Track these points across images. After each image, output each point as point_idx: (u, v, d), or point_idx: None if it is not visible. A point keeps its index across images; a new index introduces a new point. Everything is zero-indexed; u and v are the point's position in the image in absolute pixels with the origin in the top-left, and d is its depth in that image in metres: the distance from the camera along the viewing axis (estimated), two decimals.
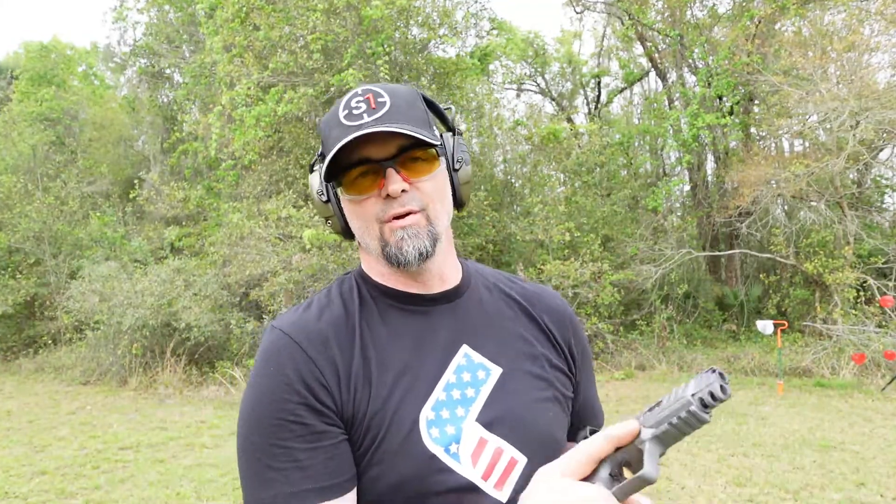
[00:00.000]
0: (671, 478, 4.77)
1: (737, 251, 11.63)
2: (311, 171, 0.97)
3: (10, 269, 12.05)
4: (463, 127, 11.70)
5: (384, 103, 0.85)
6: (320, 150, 0.94)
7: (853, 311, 8.94)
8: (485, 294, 0.98)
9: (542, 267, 9.77)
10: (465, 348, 0.89)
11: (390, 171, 0.84)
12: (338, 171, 0.86)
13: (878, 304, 8.52)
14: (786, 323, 8.64)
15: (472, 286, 0.97)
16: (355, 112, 0.85)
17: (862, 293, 9.26)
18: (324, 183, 0.92)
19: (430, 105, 0.94)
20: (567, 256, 10.12)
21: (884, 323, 8.59)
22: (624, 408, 7.19)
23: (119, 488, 4.86)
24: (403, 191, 0.84)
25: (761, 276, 11.69)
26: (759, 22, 10.56)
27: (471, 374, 0.88)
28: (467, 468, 0.82)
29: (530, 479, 0.78)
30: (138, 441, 6.23)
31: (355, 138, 0.82)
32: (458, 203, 0.96)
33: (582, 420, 1.01)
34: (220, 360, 9.34)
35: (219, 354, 9.52)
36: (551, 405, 0.92)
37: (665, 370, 9.29)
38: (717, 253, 12.06)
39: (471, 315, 0.93)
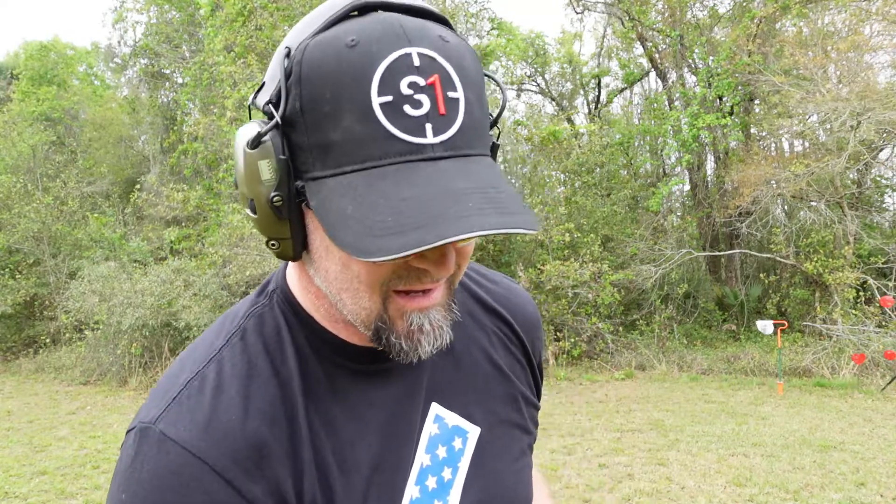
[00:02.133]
0: (671, 478, 4.77)
1: (737, 251, 11.63)
2: (256, 145, 0.52)
3: (9, 270, 12.05)
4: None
5: (457, 104, 0.50)
6: (276, 98, 0.52)
7: (853, 311, 8.95)
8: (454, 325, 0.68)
9: (542, 267, 9.77)
10: (435, 408, 0.67)
11: (447, 246, 0.52)
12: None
13: (878, 304, 8.52)
14: (786, 323, 8.64)
15: None
16: (410, 112, 0.48)
17: (862, 293, 9.27)
18: (286, 181, 0.52)
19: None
20: (567, 257, 10.13)
21: (884, 323, 8.59)
22: (623, 408, 7.19)
23: None
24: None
25: (761, 276, 11.69)
26: (760, 21, 10.55)
27: (446, 448, 0.66)
28: None
29: None
30: None
31: (439, 215, 0.46)
32: None
33: None
34: None
35: None
36: (527, 459, 0.76)
37: (665, 370, 9.29)
38: (717, 253, 12.06)
39: (438, 359, 0.66)
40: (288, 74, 0.51)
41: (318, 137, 0.50)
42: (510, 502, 0.70)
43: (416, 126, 0.48)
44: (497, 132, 0.62)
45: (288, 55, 0.51)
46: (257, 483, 0.53)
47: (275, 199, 0.52)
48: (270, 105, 0.52)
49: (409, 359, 0.57)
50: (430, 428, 0.66)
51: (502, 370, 0.74)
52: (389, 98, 0.48)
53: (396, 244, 0.44)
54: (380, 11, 0.52)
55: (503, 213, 0.46)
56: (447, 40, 0.51)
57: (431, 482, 0.64)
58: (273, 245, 0.56)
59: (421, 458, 0.64)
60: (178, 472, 0.51)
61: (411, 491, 0.63)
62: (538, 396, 0.80)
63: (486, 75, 0.59)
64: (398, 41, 0.49)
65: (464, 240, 0.45)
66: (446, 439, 0.67)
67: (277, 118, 0.51)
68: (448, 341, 0.58)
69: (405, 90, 0.48)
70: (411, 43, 0.49)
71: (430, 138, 0.48)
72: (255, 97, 0.56)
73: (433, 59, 0.49)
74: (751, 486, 4.55)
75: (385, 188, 0.47)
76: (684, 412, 6.90)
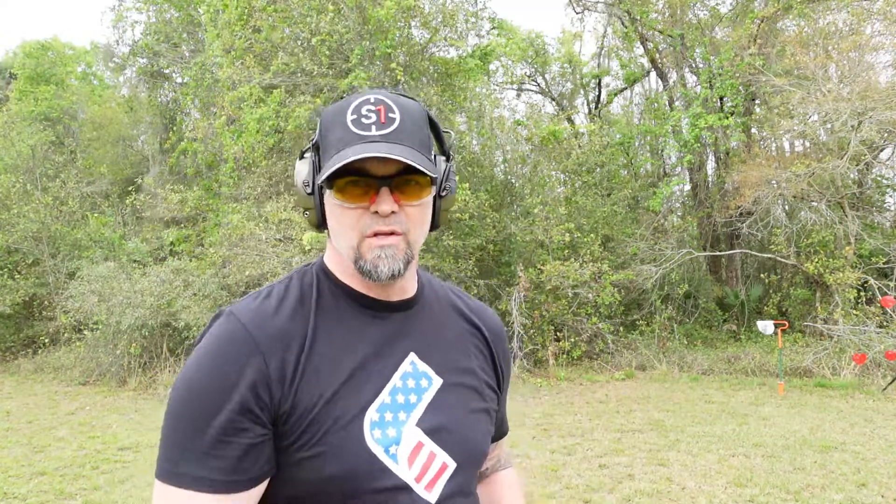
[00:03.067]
0: (672, 478, 4.75)
1: (737, 251, 11.63)
2: (302, 157, 0.97)
3: (8, 270, 12.04)
4: (464, 127, 11.74)
5: (394, 119, 0.88)
6: (315, 138, 0.95)
7: (854, 312, 8.94)
8: (435, 307, 1.03)
9: (541, 267, 9.75)
10: (412, 356, 0.94)
11: (384, 191, 0.87)
12: (332, 174, 0.87)
13: (878, 305, 8.51)
14: (786, 323, 8.63)
15: (426, 299, 1.02)
16: (364, 121, 0.87)
17: (863, 293, 9.26)
18: (311, 176, 0.94)
19: (433, 127, 0.97)
20: (567, 257, 10.11)
21: (885, 323, 8.59)
22: (624, 408, 7.18)
23: (118, 489, 4.84)
24: (392, 212, 0.87)
25: (762, 276, 11.68)
26: (762, 21, 10.55)
27: (415, 382, 0.93)
28: (403, 469, 0.87)
29: (458, 483, 0.91)
30: (138, 441, 6.22)
31: (360, 151, 0.84)
32: (434, 226, 0.99)
33: (495, 427, 1.09)
34: None
35: None
36: (483, 417, 1.00)
37: (665, 370, 9.28)
38: (718, 253, 12.05)
39: (421, 326, 0.98)
40: (319, 121, 0.94)
41: (324, 145, 0.92)
42: (463, 437, 0.94)
43: (366, 127, 0.87)
44: (452, 161, 1.00)
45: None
46: (273, 353, 0.84)
47: (305, 181, 0.94)
48: (313, 140, 0.95)
49: (375, 278, 0.88)
50: (405, 366, 0.93)
51: (466, 350, 1.02)
52: (355, 116, 0.88)
53: (334, 167, 0.84)
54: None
55: (395, 154, 0.83)
56: (399, 97, 0.91)
57: (400, 398, 0.90)
58: (306, 214, 0.97)
59: (394, 381, 0.91)
60: (233, 332, 0.85)
61: (383, 397, 0.89)
62: (500, 390, 1.09)
63: (443, 130, 0.99)
64: (367, 94, 0.91)
65: (360, 160, 0.83)
66: (416, 377, 0.94)
67: (312, 143, 0.95)
68: (399, 272, 0.88)
69: (364, 112, 0.88)
70: (373, 94, 0.91)
71: (373, 132, 0.87)
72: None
73: (382, 99, 0.90)
74: (752, 487, 4.54)
75: (345, 152, 0.85)
76: (685, 412, 6.89)
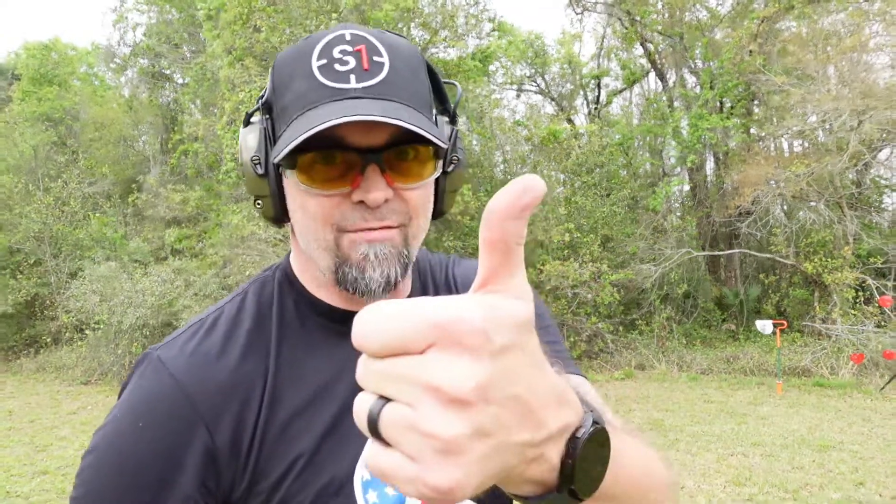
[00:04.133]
0: None
1: (736, 251, 11.65)
2: (247, 123, 0.68)
3: (10, 269, 12.07)
4: (464, 128, 11.78)
5: (381, 66, 0.61)
6: (265, 94, 0.67)
7: (852, 311, 8.96)
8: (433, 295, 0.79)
9: (541, 267, 9.78)
10: None
11: (373, 171, 0.61)
12: (295, 149, 0.59)
13: (877, 304, 8.54)
14: (785, 323, 8.65)
15: (422, 293, 0.79)
16: (339, 68, 0.61)
17: (861, 293, 9.28)
18: (262, 150, 0.66)
19: (432, 77, 0.69)
20: (567, 257, 10.14)
21: (883, 323, 8.61)
22: (623, 407, 7.21)
23: None
24: (385, 199, 0.62)
25: (761, 275, 11.69)
26: (763, 21, 10.57)
27: None
28: None
29: None
30: None
31: (336, 113, 0.58)
32: (437, 213, 0.73)
33: None
34: None
35: None
36: None
37: (665, 370, 9.31)
38: (717, 253, 12.07)
39: None
40: (271, 70, 0.66)
41: (280, 104, 0.64)
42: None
43: (342, 77, 0.61)
44: (456, 122, 0.73)
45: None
46: (219, 415, 0.63)
47: (254, 158, 0.66)
48: (260, 98, 0.68)
49: (363, 289, 0.64)
50: None
51: None
52: (324, 61, 0.61)
53: (300, 137, 0.57)
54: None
55: (390, 116, 0.57)
56: (386, 34, 0.65)
57: None
58: (258, 204, 0.69)
59: None
60: (159, 388, 0.63)
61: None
62: None
63: (445, 81, 0.72)
64: (338, 29, 0.64)
65: (335, 126, 0.57)
66: None
67: (261, 101, 0.67)
68: (395, 278, 0.64)
69: (336, 55, 0.61)
70: (347, 28, 0.64)
71: (352, 84, 0.60)
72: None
73: (363, 35, 0.63)
74: (750, 486, 4.57)
75: (312, 115, 0.60)
76: (684, 412, 6.92)
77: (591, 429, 0.38)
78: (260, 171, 0.66)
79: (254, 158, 0.66)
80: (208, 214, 12.00)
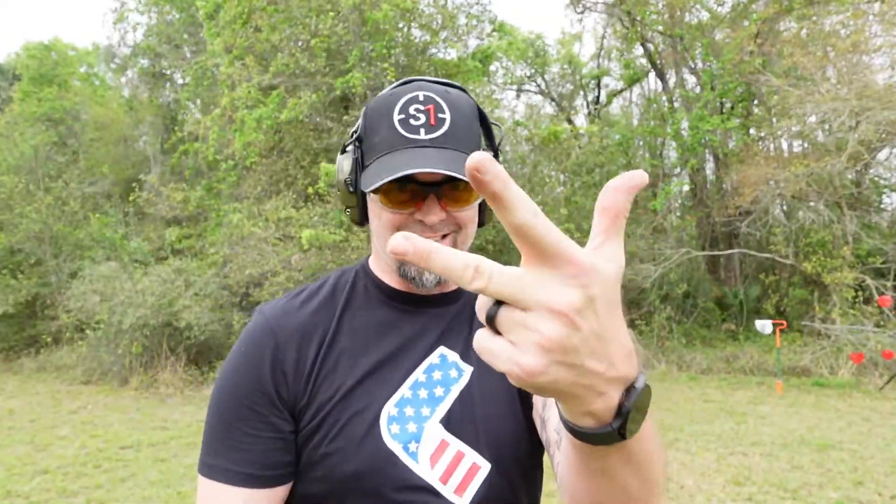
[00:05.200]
0: (670, 477, 4.79)
1: (736, 251, 11.65)
2: (344, 151, 0.92)
3: (11, 269, 12.08)
4: None
5: (444, 121, 0.82)
6: (357, 131, 0.90)
7: (851, 311, 8.97)
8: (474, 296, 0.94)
9: None
10: (442, 349, 0.89)
11: (431, 200, 0.82)
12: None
13: (876, 304, 8.55)
14: (784, 322, 8.66)
15: (468, 293, 0.94)
16: (413, 123, 0.82)
17: (860, 293, 9.28)
18: (353, 173, 0.90)
19: (482, 121, 0.91)
20: None
21: (882, 322, 8.62)
22: None
23: (120, 487, 4.88)
24: (440, 220, 0.83)
25: (760, 275, 11.70)
26: (763, 22, 10.58)
27: (442, 373, 0.87)
28: (424, 469, 0.80)
29: (494, 487, 0.81)
30: (139, 440, 6.25)
31: (409, 162, 0.79)
32: (480, 223, 0.94)
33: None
34: (221, 359, 9.36)
35: (219, 354, 9.54)
36: (520, 406, 0.88)
37: (664, 370, 9.32)
38: (717, 252, 12.08)
39: (459, 316, 0.93)
40: (363, 115, 0.89)
41: (369, 143, 0.87)
42: (495, 433, 0.84)
43: (415, 130, 0.82)
44: (498, 157, 0.94)
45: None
46: (291, 347, 0.85)
47: (347, 180, 0.89)
48: (354, 132, 0.90)
49: (420, 284, 0.86)
50: (432, 359, 0.88)
51: None
52: (403, 116, 0.82)
53: (382, 178, 0.79)
54: (417, 82, 0.87)
55: (447, 167, 0.78)
56: (449, 92, 0.85)
57: (423, 392, 0.85)
58: (347, 211, 0.94)
59: (417, 375, 0.86)
60: (257, 327, 0.87)
61: (403, 391, 0.85)
62: None
63: (492, 123, 0.93)
64: (415, 89, 0.85)
65: (414, 179, 0.81)
66: (444, 368, 0.88)
67: (354, 137, 0.90)
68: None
69: (412, 112, 0.82)
70: (422, 90, 0.85)
71: (422, 136, 0.81)
72: (352, 132, 0.92)
73: (432, 97, 0.83)
74: (749, 485, 4.57)
75: (390, 159, 0.81)
76: (683, 411, 6.92)
77: (644, 385, 0.47)
78: (351, 190, 0.89)
79: (347, 180, 0.89)
80: (208, 214, 12.01)
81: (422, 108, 0.82)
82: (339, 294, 0.92)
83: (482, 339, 0.42)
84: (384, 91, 0.89)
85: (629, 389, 0.46)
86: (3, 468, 5.39)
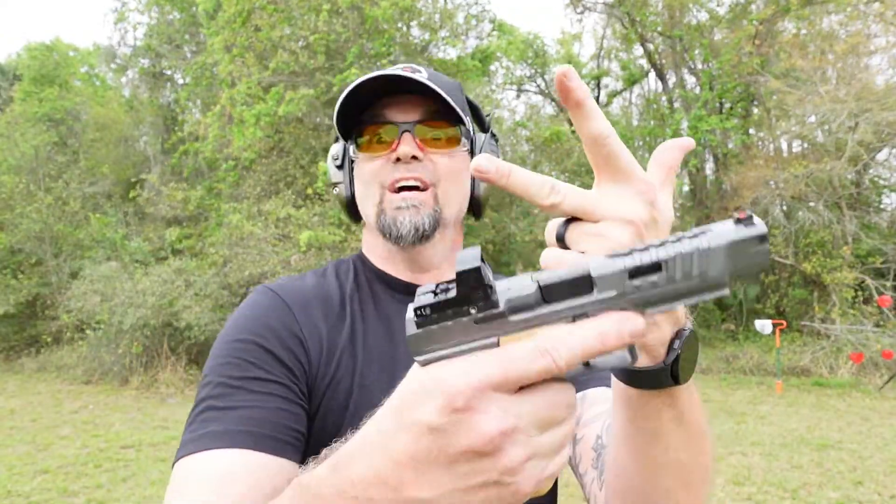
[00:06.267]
0: None
1: None
2: (337, 140, 0.92)
3: (11, 269, 12.08)
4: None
5: (420, 72, 0.82)
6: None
7: (851, 311, 8.97)
8: None
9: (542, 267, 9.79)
10: None
11: (406, 136, 0.80)
12: (357, 127, 0.83)
13: (875, 304, 8.55)
14: (784, 322, 8.67)
15: None
16: (391, 71, 0.81)
17: (860, 293, 9.29)
18: (341, 152, 0.89)
19: (469, 102, 0.90)
20: None
21: (881, 322, 8.62)
22: None
23: (121, 487, 4.89)
24: (415, 157, 0.80)
25: (760, 275, 11.70)
26: (761, 23, 10.59)
27: None
28: None
29: None
30: (140, 440, 6.26)
31: (379, 82, 0.77)
32: (477, 207, 0.91)
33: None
34: None
35: None
36: None
37: None
38: None
39: None
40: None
41: (342, 110, 0.83)
42: None
43: (394, 71, 0.80)
44: (488, 132, 0.91)
45: None
46: (306, 318, 0.79)
47: (335, 156, 0.90)
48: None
49: (395, 233, 0.81)
50: None
51: None
52: (381, 73, 0.79)
53: (348, 89, 0.79)
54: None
55: (419, 79, 0.78)
56: (435, 70, 0.90)
57: None
58: (336, 190, 0.91)
59: None
60: (262, 297, 0.81)
61: None
62: None
63: (471, 102, 0.90)
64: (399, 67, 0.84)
65: (373, 77, 0.77)
66: None
67: (335, 122, 0.86)
68: (424, 227, 0.80)
69: (391, 71, 0.79)
70: (399, 65, 0.85)
71: (396, 72, 0.79)
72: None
73: (411, 65, 0.84)
74: (749, 485, 4.58)
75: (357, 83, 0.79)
76: None
77: (692, 330, 0.50)
78: (338, 163, 0.89)
79: (333, 156, 0.90)
80: (208, 214, 12.01)
81: (400, 68, 0.82)
82: (344, 281, 0.88)
83: (551, 255, 0.44)
84: None
85: (679, 331, 0.49)
86: (3, 468, 5.39)
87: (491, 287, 0.38)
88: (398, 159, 0.80)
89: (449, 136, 0.83)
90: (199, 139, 12.08)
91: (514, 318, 0.38)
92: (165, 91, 16.46)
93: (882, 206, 12.34)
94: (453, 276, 0.76)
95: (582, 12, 14.30)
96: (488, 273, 0.39)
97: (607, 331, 0.36)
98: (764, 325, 8.02)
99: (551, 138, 11.25)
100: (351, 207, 0.90)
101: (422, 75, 0.80)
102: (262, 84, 9.69)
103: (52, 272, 12.36)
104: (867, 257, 9.85)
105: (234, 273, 9.13)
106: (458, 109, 0.80)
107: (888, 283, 9.39)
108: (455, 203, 0.85)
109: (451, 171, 0.84)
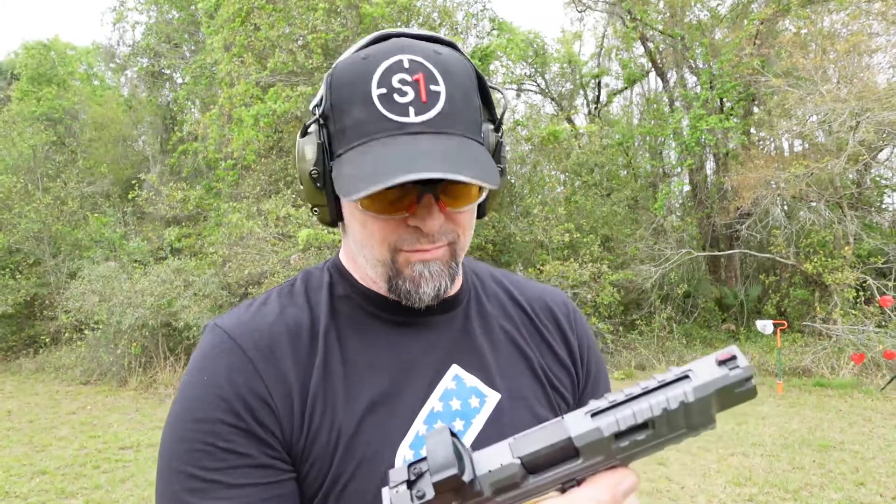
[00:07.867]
0: (671, 478, 4.77)
1: (736, 251, 11.64)
2: (304, 134, 0.71)
3: (9, 269, 12.06)
4: None
5: (438, 95, 0.64)
6: (322, 105, 0.69)
7: (853, 311, 8.95)
8: (483, 302, 0.82)
9: (541, 267, 9.77)
10: (455, 369, 0.74)
11: (428, 201, 0.65)
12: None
13: (877, 304, 8.53)
14: (785, 323, 8.64)
15: (471, 294, 0.82)
16: (398, 99, 0.63)
17: (861, 293, 9.27)
18: (322, 163, 0.69)
19: (482, 89, 0.72)
20: (567, 257, 10.13)
21: (883, 323, 8.60)
22: None
23: (119, 488, 4.86)
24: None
25: (761, 276, 11.69)
26: (762, 22, 10.57)
27: (461, 402, 0.72)
28: None
29: None
30: (138, 441, 6.24)
31: (401, 163, 0.60)
32: (480, 215, 0.79)
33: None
34: None
35: None
36: None
37: (664, 370, 9.29)
38: (717, 253, 12.06)
39: (466, 329, 0.78)
40: (327, 85, 0.68)
41: (339, 125, 0.66)
42: None
43: (402, 110, 0.63)
44: (501, 131, 0.75)
45: (330, 73, 0.69)
46: (269, 367, 0.67)
47: (312, 172, 0.69)
48: (316, 107, 0.70)
49: (415, 301, 0.70)
50: (447, 383, 0.73)
51: (524, 347, 0.81)
52: (384, 90, 0.63)
53: (370, 186, 0.59)
54: (396, 38, 0.68)
55: (452, 167, 0.60)
56: (440, 53, 0.67)
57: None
58: (315, 211, 0.75)
59: (433, 403, 0.72)
60: (215, 345, 0.69)
61: (418, 427, 0.70)
62: (580, 384, 0.85)
63: (491, 87, 0.74)
64: (396, 51, 0.65)
65: (407, 182, 0.59)
66: (462, 395, 0.73)
67: (318, 115, 0.69)
68: (445, 290, 0.70)
69: (396, 84, 0.63)
70: (404, 52, 0.65)
71: (412, 118, 0.63)
72: (312, 105, 0.71)
73: (420, 62, 0.64)
74: (750, 486, 4.56)
75: (374, 151, 0.62)
76: None
77: None
78: (319, 185, 0.70)
79: (312, 172, 0.70)
80: (208, 213, 11.99)
81: (408, 78, 0.63)
82: (316, 304, 0.74)
83: None
84: (353, 50, 0.69)
85: None
86: (1, 469, 5.37)
87: (472, 480, 0.37)
88: (416, 227, 0.67)
89: (472, 187, 0.68)
90: (199, 139, 12.06)
91: (501, 498, 0.37)
92: (164, 90, 16.43)
93: (884, 206, 12.34)
94: (456, 285, 0.73)
95: (582, 11, 14.28)
96: (468, 463, 0.36)
97: (605, 501, 0.41)
98: (765, 326, 7.99)
99: (549, 137, 11.22)
100: (335, 223, 0.77)
101: (437, 99, 0.63)
102: (260, 84, 9.66)
103: (50, 272, 12.33)
104: (869, 257, 9.83)
105: (234, 273, 9.10)
106: (490, 182, 0.61)
107: (890, 284, 9.36)
108: (468, 245, 0.75)
109: (471, 220, 0.73)
